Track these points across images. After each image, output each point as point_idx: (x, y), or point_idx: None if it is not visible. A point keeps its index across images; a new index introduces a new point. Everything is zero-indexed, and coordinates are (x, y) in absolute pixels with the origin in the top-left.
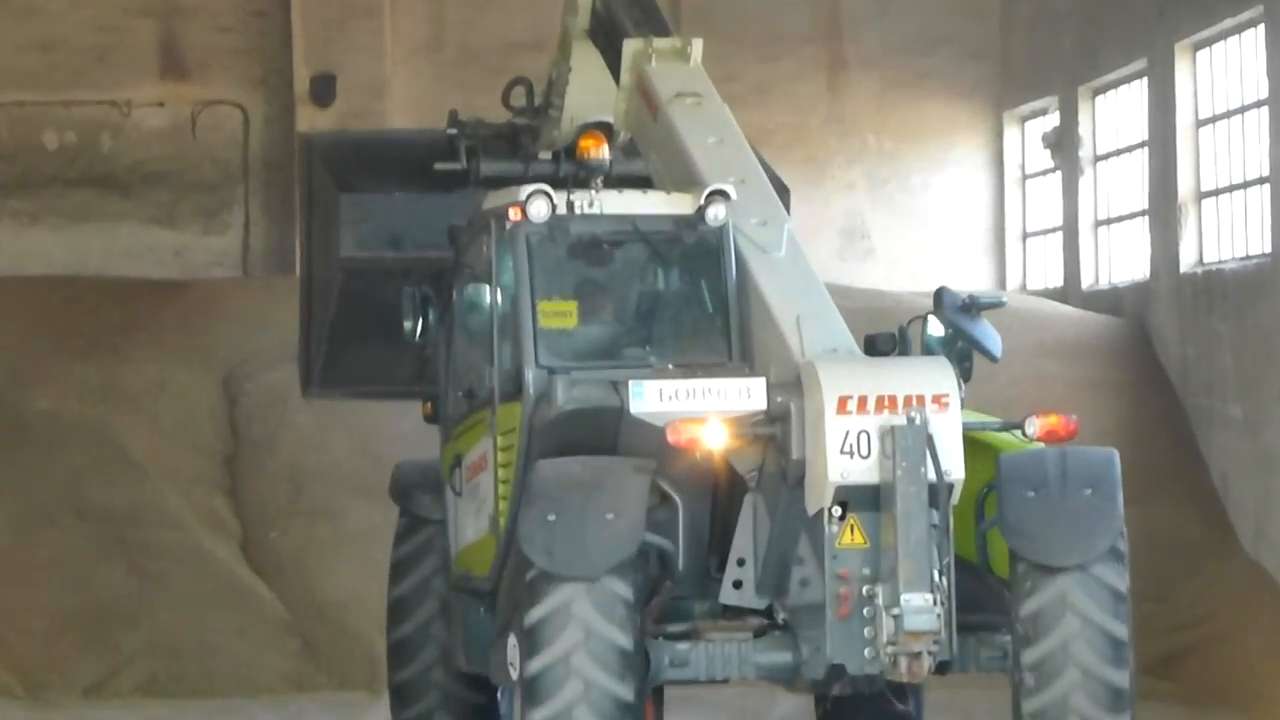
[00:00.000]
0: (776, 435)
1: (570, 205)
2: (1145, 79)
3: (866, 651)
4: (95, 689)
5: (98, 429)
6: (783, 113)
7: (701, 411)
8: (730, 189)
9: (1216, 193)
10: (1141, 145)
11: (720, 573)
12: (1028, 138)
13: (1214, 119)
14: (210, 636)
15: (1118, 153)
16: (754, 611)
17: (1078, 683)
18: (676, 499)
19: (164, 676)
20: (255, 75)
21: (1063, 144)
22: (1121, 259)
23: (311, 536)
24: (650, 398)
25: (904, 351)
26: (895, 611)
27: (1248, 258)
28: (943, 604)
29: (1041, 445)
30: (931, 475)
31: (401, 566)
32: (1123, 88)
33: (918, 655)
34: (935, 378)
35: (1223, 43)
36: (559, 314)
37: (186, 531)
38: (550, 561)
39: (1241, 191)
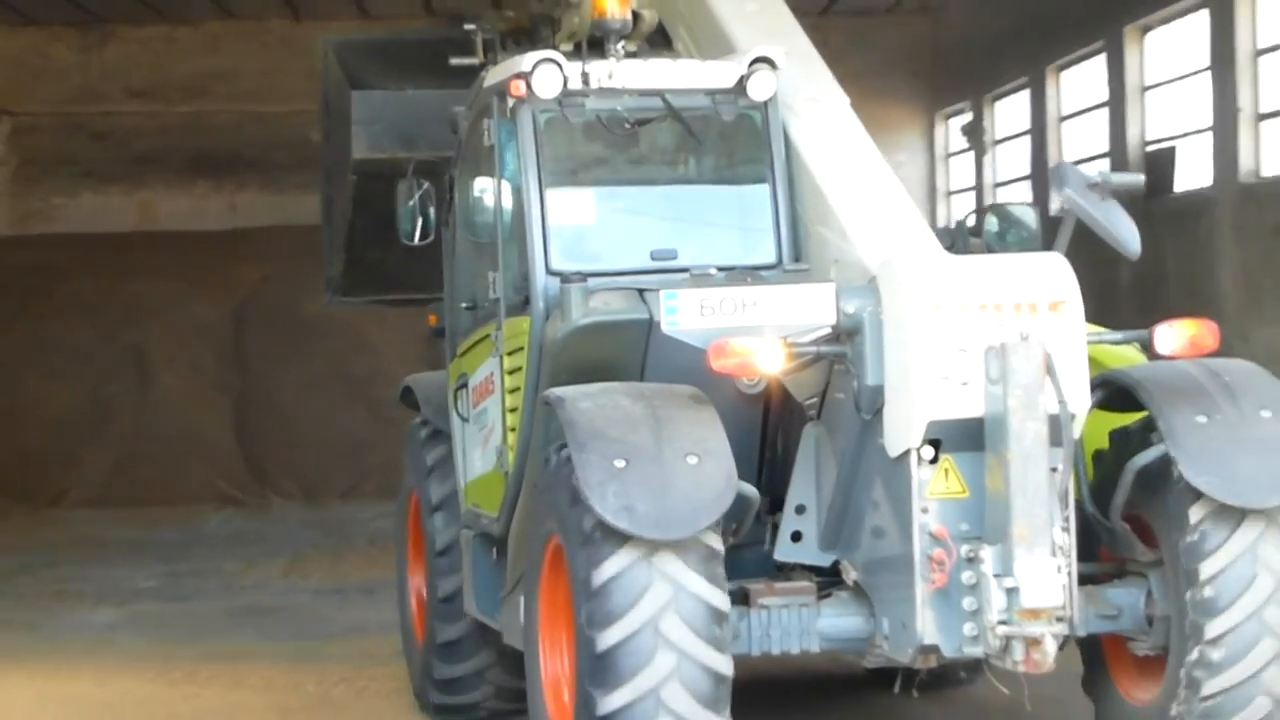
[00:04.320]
0: (847, 355)
1: (585, 77)
2: (1029, 89)
3: (967, 628)
4: (349, 492)
5: (348, 325)
6: None
7: (753, 328)
8: (778, 55)
9: (1078, 162)
10: (1025, 133)
11: (768, 516)
12: (950, 130)
13: (1074, 114)
14: None
15: (1010, 138)
16: (817, 570)
17: (1272, 656)
18: None
19: (393, 484)
20: None
21: (973, 133)
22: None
23: None
24: (688, 312)
25: (962, 253)
26: (1009, 583)
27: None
28: (1066, 570)
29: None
30: (1051, 405)
31: (438, 470)
32: (1014, 95)
33: (1038, 639)
34: (1050, 278)
35: (1084, 64)
36: (573, 209)
37: None
38: (633, 522)
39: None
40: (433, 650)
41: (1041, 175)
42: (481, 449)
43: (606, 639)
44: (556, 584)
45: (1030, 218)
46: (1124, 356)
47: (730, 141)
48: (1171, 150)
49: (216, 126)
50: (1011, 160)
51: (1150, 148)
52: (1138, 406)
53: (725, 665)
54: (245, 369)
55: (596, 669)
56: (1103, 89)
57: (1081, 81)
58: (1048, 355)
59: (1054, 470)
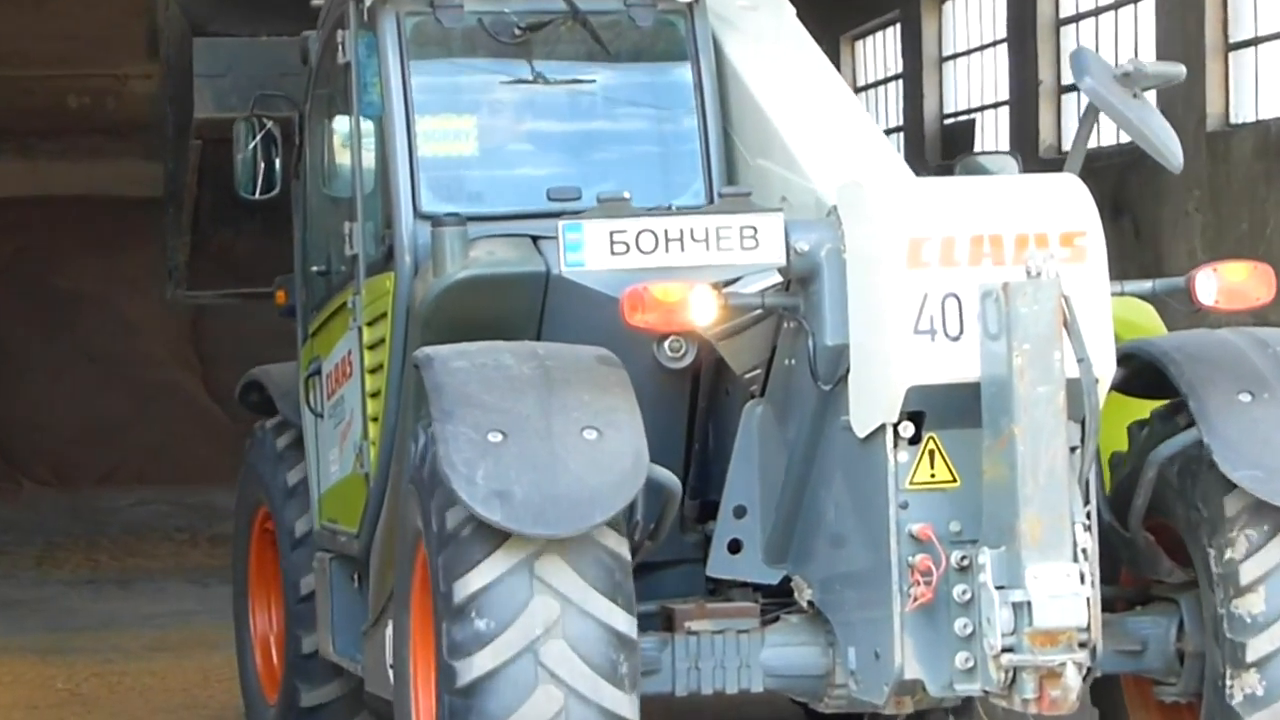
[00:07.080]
0: (799, 308)
1: None
2: None
3: (960, 658)
4: (105, 477)
5: (106, 301)
6: None
7: (679, 271)
8: None
9: None
10: None
11: (699, 526)
12: None
13: (871, 85)
14: (182, 441)
15: None
16: (762, 588)
17: None
18: None
19: (152, 469)
20: None
21: None
22: None
23: None
24: (596, 248)
25: None
26: (1016, 597)
27: None
28: (1089, 580)
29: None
30: (1069, 365)
31: (303, 492)
32: None
33: (1055, 671)
34: (1064, 204)
35: (880, 34)
36: (449, 136)
37: (165, 370)
38: (508, 513)
39: None
40: (292, 716)
41: None
42: (339, 448)
43: (470, 670)
44: (429, 604)
45: (1012, 169)
46: (1137, 324)
47: (647, 55)
48: (970, 123)
49: None
50: None
51: (948, 120)
52: (1165, 389)
53: (628, 708)
54: None
55: (457, 709)
56: (898, 60)
57: (878, 52)
58: (1064, 300)
59: (1073, 450)
